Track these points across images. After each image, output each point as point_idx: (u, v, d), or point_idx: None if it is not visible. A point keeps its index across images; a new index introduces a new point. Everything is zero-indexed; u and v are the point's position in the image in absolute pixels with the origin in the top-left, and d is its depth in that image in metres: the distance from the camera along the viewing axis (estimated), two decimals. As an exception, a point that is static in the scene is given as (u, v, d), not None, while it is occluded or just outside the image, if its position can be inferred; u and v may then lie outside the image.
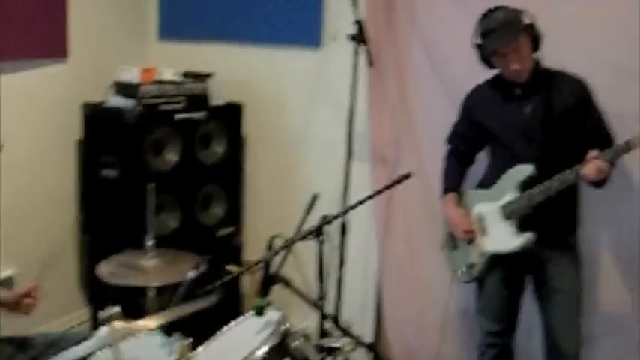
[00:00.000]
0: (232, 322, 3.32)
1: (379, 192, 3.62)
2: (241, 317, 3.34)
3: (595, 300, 4.10)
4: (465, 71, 3.96)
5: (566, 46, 3.88)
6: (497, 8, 3.57)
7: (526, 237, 3.57)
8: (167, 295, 3.62)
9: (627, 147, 3.24)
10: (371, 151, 4.71)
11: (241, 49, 5.30)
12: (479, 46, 3.61)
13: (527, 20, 3.52)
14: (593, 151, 3.34)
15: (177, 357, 2.95)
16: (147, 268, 3.71)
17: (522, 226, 3.60)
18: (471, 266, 3.82)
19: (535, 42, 3.56)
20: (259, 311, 2.96)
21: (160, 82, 4.76)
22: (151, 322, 2.96)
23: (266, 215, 5.33)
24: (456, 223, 3.84)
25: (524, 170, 3.56)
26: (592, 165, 3.30)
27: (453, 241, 3.95)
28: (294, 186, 5.14)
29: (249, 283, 5.07)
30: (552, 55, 3.68)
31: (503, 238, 3.65)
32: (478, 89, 3.85)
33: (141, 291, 3.77)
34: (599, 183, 3.44)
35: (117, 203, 4.66)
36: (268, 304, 3.04)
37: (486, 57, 3.62)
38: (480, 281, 3.88)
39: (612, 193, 3.67)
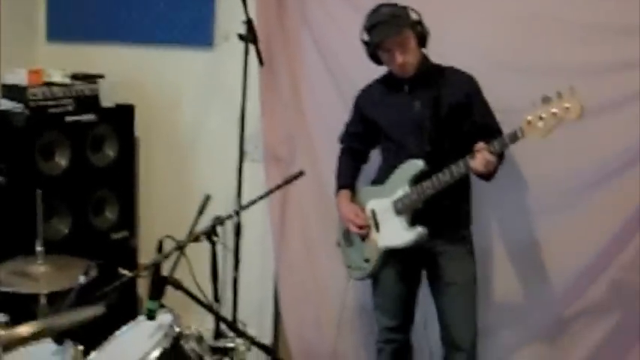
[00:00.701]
0: (124, 327, 3.28)
1: (272, 190, 3.64)
2: (133, 321, 3.31)
3: (489, 292, 4.17)
4: (357, 69, 3.98)
5: (454, 43, 3.95)
6: (383, 5, 3.61)
7: (418, 231, 3.59)
8: (59, 301, 3.56)
9: (514, 137, 3.28)
10: (264, 150, 4.70)
11: (132, 50, 5.23)
12: (366, 42, 3.64)
13: (413, 16, 3.57)
14: (481, 142, 3.38)
15: (69, 364, 2.91)
16: (37, 274, 3.62)
17: (414, 221, 3.63)
18: (365, 262, 3.83)
19: (421, 38, 3.61)
20: (151, 315, 2.93)
21: (49, 84, 4.66)
22: (29, 329, 2.88)
23: (161, 217, 5.26)
24: (350, 219, 3.83)
25: (415, 165, 3.59)
26: (480, 157, 3.33)
27: (348, 238, 3.95)
28: (188, 187, 5.08)
29: (145, 287, 5.01)
30: (441, 52, 3.73)
31: (396, 233, 3.67)
32: (369, 88, 3.88)
33: (32, 298, 3.67)
34: (487, 176, 3.49)
35: (6, 209, 4.51)
36: (162, 306, 3.01)
37: (373, 52, 3.65)
38: (376, 278, 3.90)
39: (502, 186, 3.73)
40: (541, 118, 3.15)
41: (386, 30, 3.52)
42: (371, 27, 3.59)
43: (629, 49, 3.65)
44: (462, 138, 3.63)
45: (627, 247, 3.79)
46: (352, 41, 3.72)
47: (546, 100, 3.14)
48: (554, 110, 3.12)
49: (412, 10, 3.59)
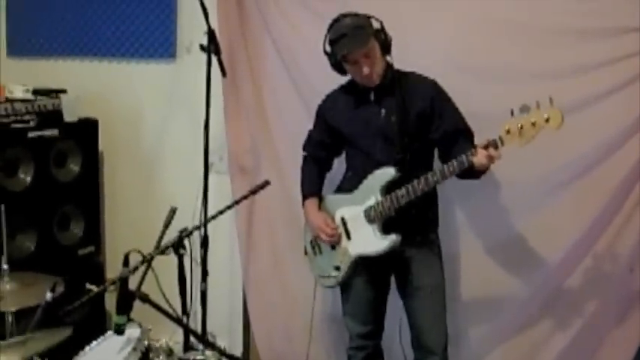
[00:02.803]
0: (94, 343, 3.26)
1: (238, 201, 3.63)
2: (102, 337, 3.29)
3: (459, 294, 4.20)
4: (319, 77, 3.99)
5: (419, 48, 4.00)
6: (345, 15, 3.59)
7: (392, 239, 3.60)
8: (26, 319, 3.53)
9: (494, 146, 3.28)
10: (229, 161, 4.70)
11: (94, 64, 5.23)
12: (330, 54, 3.63)
13: (376, 25, 3.57)
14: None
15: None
16: (3, 292, 3.57)
17: (385, 228, 3.64)
18: (336, 270, 3.83)
19: (385, 46, 3.60)
20: (119, 329, 2.91)
21: (11, 100, 4.62)
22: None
23: (127, 231, 5.23)
24: (320, 228, 3.81)
25: (386, 173, 3.58)
26: (482, 153, 3.30)
27: (316, 247, 3.94)
28: (154, 201, 5.07)
29: (113, 302, 4.98)
30: (406, 58, 3.74)
31: (368, 240, 3.67)
32: (332, 95, 3.87)
33: (-1, 316, 3.67)
34: (480, 173, 3.47)
35: (-30, 227, 4.49)
36: (130, 320, 2.99)
37: (338, 64, 3.64)
38: (345, 284, 3.88)
39: (470, 190, 3.76)
40: (521, 128, 3.17)
41: (351, 42, 3.50)
42: (335, 39, 3.56)
43: (589, 52, 3.71)
44: (431, 143, 3.67)
45: (596, 246, 3.86)
46: (314, 49, 3.72)
47: (525, 109, 3.15)
48: (533, 120, 3.14)
49: (374, 18, 3.58)
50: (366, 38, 3.51)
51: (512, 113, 3.19)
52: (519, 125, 3.17)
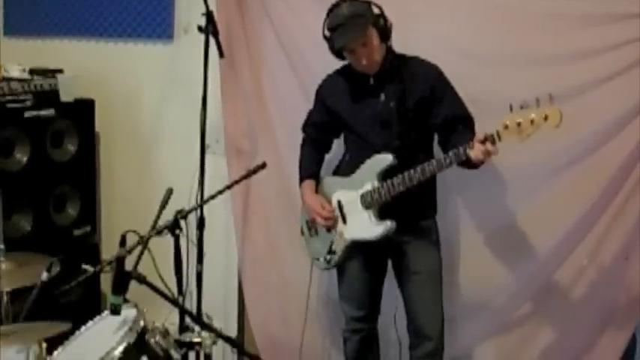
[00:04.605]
0: (89, 323, 3.26)
1: (234, 183, 3.63)
2: (98, 317, 3.29)
3: (455, 281, 4.20)
4: (317, 59, 3.97)
5: (422, 33, 3.99)
6: (344, 1, 3.55)
7: (387, 226, 3.60)
8: (22, 299, 3.53)
9: (492, 140, 3.27)
10: (226, 143, 4.68)
11: (91, 44, 5.22)
12: (328, 39, 3.60)
13: (375, 10, 3.54)
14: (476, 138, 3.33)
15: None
16: (-1, 272, 3.59)
17: (382, 214, 3.64)
18: (330, 253, 3.84)
19: (384, 32, 3.57)
20: (115, 309, 2.90)
21: (7, 79, 4.61)
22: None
23: (122, 212, 5.25)
24: (315, 210, 3.82)
25: (383, 159, 3.58)
26: (478, 147, 3.28)
27: (313, 228, 3.95)
28: (150, 181, 5.06)
29: (108, 283, 4.97)
30: (409, 43, 3.74)
31: (364, 226, 3.68)
32: (331, 77, 3.85)
33: (-6, 296, 3.66)
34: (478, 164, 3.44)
35: (-34, 207, 4.48)
36: (126, 301, 2.98)
37: (337, 51, 3.61)
38: (341, 268, 3.90)
39: (468, 176, 3.74)
40: (519, 124, 3.16)
41: (347, 33, 3.48)
42: (333, 28, 3.54)
43: (589, 37, 3.70)
44: (430, 130, 3.67)
45: (591, 233, 3.85)
46: (312, 32, 3.71)
47: (524, 106, 3.14)
48: (531, 117, 3.13)
49: (373, 4, 3.55)
50: (363, 28, 3.48)
51: (511, 108, 3.18)
52: (517, 122, 3.16)
